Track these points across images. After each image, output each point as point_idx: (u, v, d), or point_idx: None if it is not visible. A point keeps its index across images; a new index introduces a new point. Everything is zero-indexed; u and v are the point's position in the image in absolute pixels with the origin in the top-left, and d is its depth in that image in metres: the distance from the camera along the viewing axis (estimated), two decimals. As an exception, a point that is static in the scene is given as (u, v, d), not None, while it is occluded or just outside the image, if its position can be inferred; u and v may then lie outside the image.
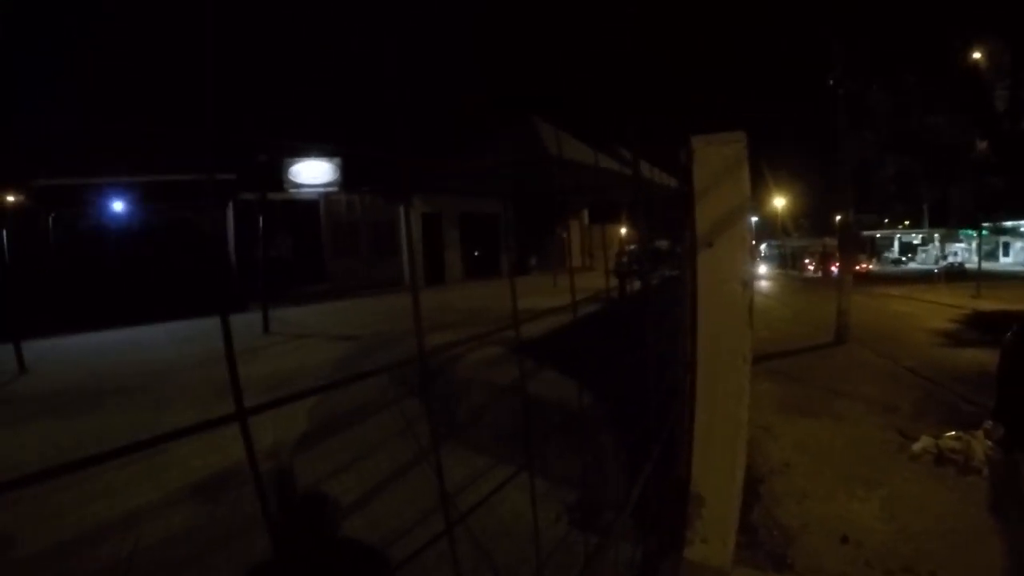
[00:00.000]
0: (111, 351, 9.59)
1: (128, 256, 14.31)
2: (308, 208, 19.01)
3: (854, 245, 15.78)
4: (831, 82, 12.68)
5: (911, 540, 3.78)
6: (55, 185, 14.02)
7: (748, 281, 2.68)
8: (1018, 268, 40.46)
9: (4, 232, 9.67)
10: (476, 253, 24.23)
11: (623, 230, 27.64)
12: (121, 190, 14.73)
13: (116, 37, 15.52)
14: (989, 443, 4.99)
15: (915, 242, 58.51)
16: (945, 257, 44.58)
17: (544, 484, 4.31)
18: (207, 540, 3.60)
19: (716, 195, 2.69)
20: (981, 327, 12.15)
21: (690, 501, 2.78)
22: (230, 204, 16.13)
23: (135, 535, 3.60)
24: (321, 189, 18.77)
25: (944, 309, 16.25)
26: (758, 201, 46.09)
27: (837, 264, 16.74)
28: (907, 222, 53.22)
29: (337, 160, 18.48)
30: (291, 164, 17.96)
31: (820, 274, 39.69)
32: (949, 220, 43.45)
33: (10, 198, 12.97)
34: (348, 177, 18.81)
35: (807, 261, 48.56)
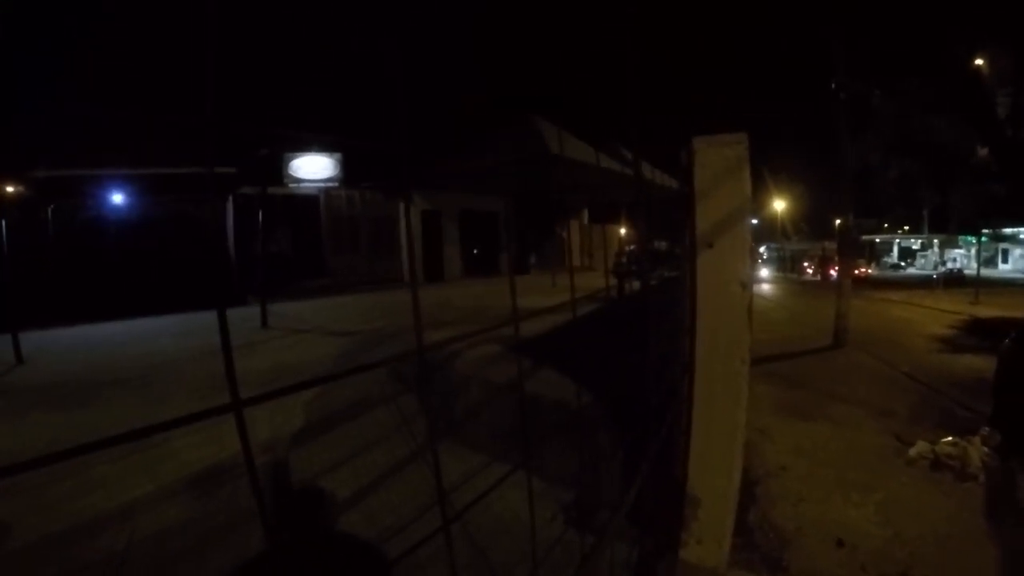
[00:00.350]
0: (109, 343, 9.58)
1: (127, 248, 14.29)
2: (308, 203, 19.00)
3: (853, 249, 15.78)
4: (833, 85, 12.68)
5: (906, 545, 3.78)
6: (55, 176, 13.99)
7: (748, 283, 2.68)
8: (1017, 275, 40.55)
9: (3, 223, 9.65)
10: (475, 251, 24.22)
11: (622, 230, 27.68)
12: (121, 182, 14.71)
13: (117, 28, 15.50)
14: (986, 449, 5.00)
15: (914, 247, 58.68)
16: (944, 263, 44.64)
17: (540, 483, 4.31)
18: (203, 533, 3.60)
19: (717, 196, 2.69)
20: (979, 334, 12.16)
21: (686, 502, 2.78)
22: (230, 198, 16.12)
23: (131, 527, 3.60)
24: (321, 184, 18.77)
25: (942, 315, 16.26)
26: (758, 204, 46.17)
27: (836, 268, 16.75)
28: (906, 227, 53.29)
29: (338, 155, 18.49)
30: (292, 159, 17.96)
31: (819, 277, 39.77)
32: (949, 226, 43.46)
33: (9, 189, 12.93)
34: (349, 173, 18.82)
35: (806, 264, 48.66)
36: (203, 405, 0.73)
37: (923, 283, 30.37)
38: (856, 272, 24.70)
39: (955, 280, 30.00)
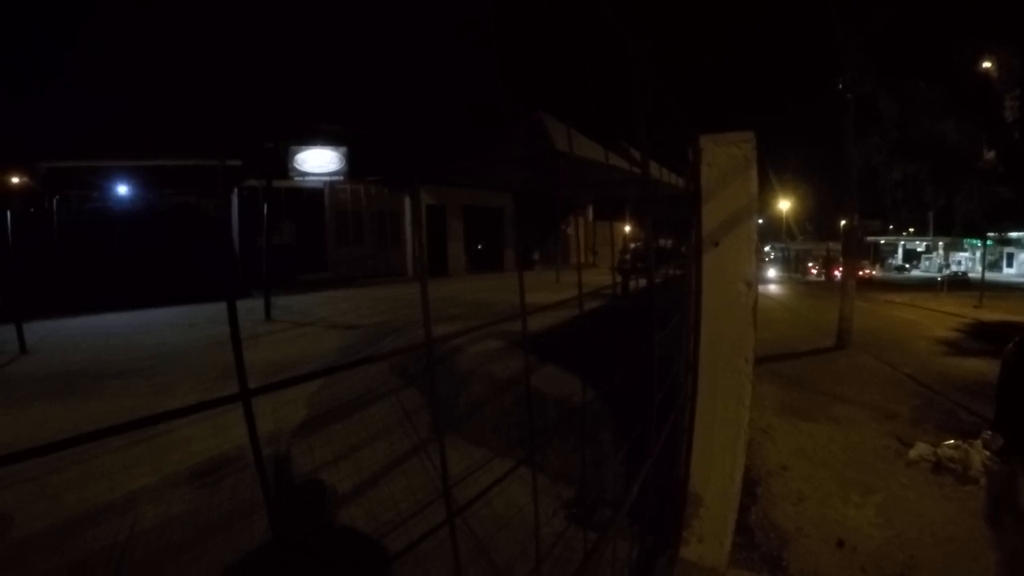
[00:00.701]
0: (113, 334, 9.60)
1: (132, 240, 14.32)
2: (312, 196, 19.05)
3: (858, 250, 15.75)
4: (840, 86, 12.64)
5: (906, 547, 3.77)
6: (60, 167, 14.04)
7: (752, 282, 2.68)
8: (1022, 279, 40.42)
9: (8, 213, 9.67)
10: (479, 246, 24.22)
11: (627, 228, 27.66)
12: (126, 174, 14.76)
13: (123, 21, 15.52)
14: (987, 453, 4.98)
15: (919, 249, 58.52)
16: (948, 265, 44.53)
17: (542, 479, 4.32)
18: (205, 524, 3.61)
19: (723, 195, 2.69)
20: (983, 337, 12.13)
21: (688, 500, 2.79)
22: (235, 190, 16.15)
23: (132, 517, 3.61)
24: (326, 178, 18.80)
25: (946, 317, 16.22)
26: (763, 203, 46.06)
27: (841, 269, 16.74)
28: (911, 229, 53.15)
29: (343, 149, 18.52)
30: (297, 152, 17.99)
31: (823, 278, 39.70)
32: (953, 229, 43.37)
33: (15, 180, 12.97)
34: (353, 167, 18.86)
35: (810, 265, 48.58)
36: (208, 397, 0.73)
37: (927, 285, 30.27)
38: (860, 273, 24.67)
39: (959, 283, 29.88)
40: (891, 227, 53.31)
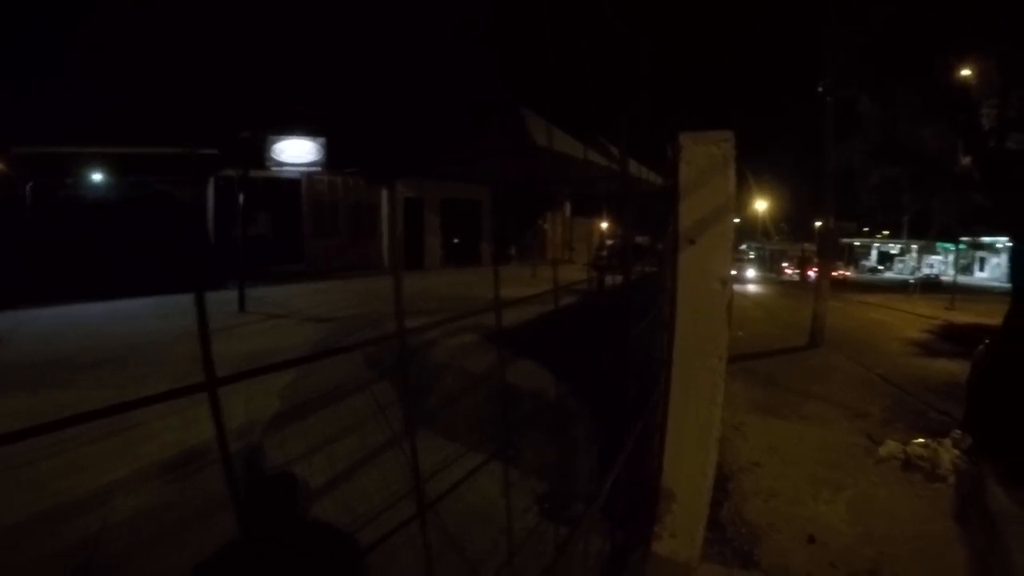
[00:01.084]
0: (86, 324, 9.46)
1: (106, 228, 14.09)
2: (289, 187, 18.84)
3: (832, 251, 15.91)
4: (820, 88, 12.75)
5: (876, 543, 3.82)
6: (34, 153, 13.81)
7: (728, 280, 2.69)
8: (993, 283, 41.04)
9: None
10: (456, 240, 24.12)
11: (604, 224, 27.66)
12: (101, 161, 14.55)
13: (100, 6, 15.27)
14: (956, 452, 5.06)
15: (893, 252, 59.24)
16: (922, 268, 45.13)
17: (515, 473, 4.31)
18: (176, 517, 3.57)
19: (701, 193, 2.70)
20: (953, 339, 12.33)
21: (661, 496, 2.80)
22: (211, 180, 15.97)
23: (104, 511, 3.56)
24: (304, 169, 18.63)
25: (918, 319, 16.47)
26: (739, 202, 46.40)
27: (814, 269, 16.90)
28: (886, 232, 53.76)
29: (321, 140, 18.36)
30: (274, 142, 17.80)
31: (798, 278, 40.07)
32: (928, 232, 43.88)
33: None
34: (331, 158, 18.71)
35: (784, 265, 48.99)
36: (179, 386, 0.72)
37: (900, 287, 30.71)
38: (834, 274, 24.92)
39: (932, 286, 30.34)
40: (866, 229, 53.85)
